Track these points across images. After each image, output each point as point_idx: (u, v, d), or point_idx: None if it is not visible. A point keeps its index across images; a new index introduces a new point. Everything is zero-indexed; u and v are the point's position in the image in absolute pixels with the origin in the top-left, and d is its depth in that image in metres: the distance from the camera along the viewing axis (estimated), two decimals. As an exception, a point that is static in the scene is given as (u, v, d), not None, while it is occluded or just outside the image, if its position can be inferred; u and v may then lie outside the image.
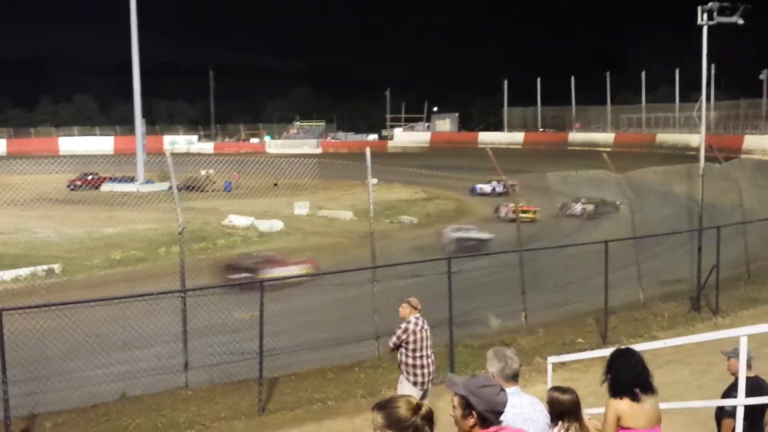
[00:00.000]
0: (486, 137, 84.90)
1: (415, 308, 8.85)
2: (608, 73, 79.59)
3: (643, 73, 77.38)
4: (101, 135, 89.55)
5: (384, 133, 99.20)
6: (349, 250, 25.30)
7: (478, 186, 44.07)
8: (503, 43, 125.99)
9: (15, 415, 9.55)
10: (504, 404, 3.56)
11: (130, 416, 10.28)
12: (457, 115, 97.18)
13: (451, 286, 12.13)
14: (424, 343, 8.76)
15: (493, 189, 42.24)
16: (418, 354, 8.70)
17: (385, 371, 12.00)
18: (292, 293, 13.27)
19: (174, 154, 13.99)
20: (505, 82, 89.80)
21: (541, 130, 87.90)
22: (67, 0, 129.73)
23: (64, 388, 11.13)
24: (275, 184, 43.95)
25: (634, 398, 5.22)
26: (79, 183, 43.76)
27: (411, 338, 8.69)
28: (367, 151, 14.10)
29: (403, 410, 3.23)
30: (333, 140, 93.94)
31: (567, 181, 23.29)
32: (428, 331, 8.87)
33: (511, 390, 4.54)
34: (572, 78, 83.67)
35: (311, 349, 12.95)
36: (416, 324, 8.75)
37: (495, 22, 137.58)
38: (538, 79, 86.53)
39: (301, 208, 34.59)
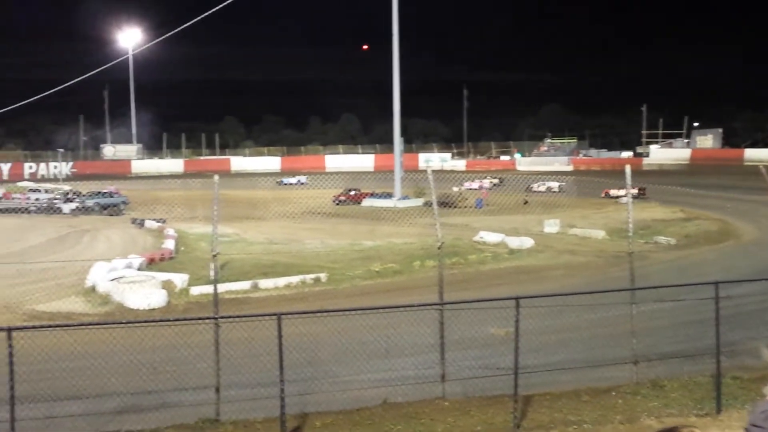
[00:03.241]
0: (753, 154, 78.60)
1: None
2: None
3: None
4: (363, 153, 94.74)
5: (639, 149, 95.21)
6: (601, 269, 24.68)
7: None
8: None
9: (289, 413, 10.36)
10: None
11: (392, 422, 10.79)
12: (720, 130, 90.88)
13: (719, 312, 11.43)
14: None
15: None
16: None
17: (644, 398, 11.58)
18: (544, 312, 13.20)
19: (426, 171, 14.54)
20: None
21: (821, 145, 79.71)
22: (334, 27, 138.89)
23: (331, 390, 11.93)
24: (525, 202, 43.98)
25: None
26: (343, 198, 46.89)
27: None
28: (627, 168, 13.73)
29: None
30: (584, 157, 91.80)
31: None
32: None
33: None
34: None
35: (565, 369, 12.80)
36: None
37: (763, 28, 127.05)
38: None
39: (552, 225, 34.25)
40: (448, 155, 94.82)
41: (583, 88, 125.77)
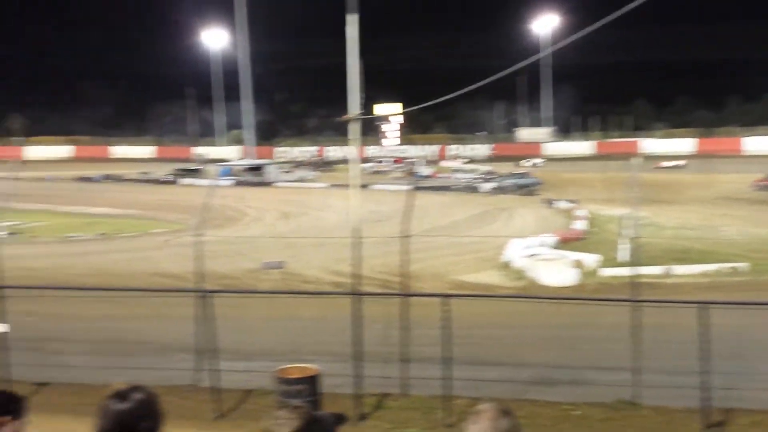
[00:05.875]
0: None
1: None
2: None
3: None
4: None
5: None
6: None
7: None
8: None
9: (718, 406, 9.86)
10: None
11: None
12: None
13: None
14: None
15: None
16: None
17: None
18: None
19: None
20: None
21: None
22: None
23: (757, 387, 11.11)
24: None
25: None
26: (764, 183, 43.14)
27: None
28: None
29: None
30: None
31: None
32: None
33: None
34: None
35: None
36: None
37: None
38: None
39: None
40: None
41: None
